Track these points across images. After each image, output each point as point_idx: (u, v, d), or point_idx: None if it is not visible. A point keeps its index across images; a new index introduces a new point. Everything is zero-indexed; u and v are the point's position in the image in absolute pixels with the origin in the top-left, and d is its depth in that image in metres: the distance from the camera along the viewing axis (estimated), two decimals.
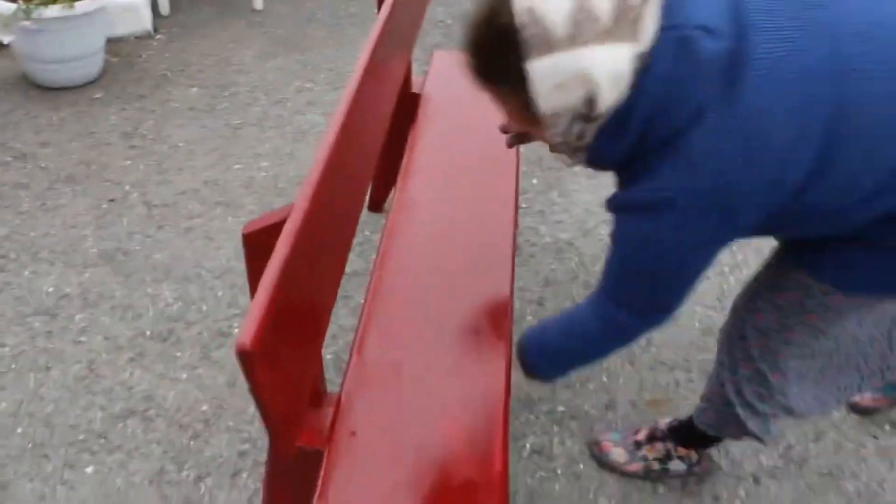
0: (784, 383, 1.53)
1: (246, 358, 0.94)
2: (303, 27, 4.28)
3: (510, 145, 1.53)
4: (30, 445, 1.98)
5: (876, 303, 1.39)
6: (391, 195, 2.43)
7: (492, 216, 1.91)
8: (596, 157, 1.17)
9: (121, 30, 3.96)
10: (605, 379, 2.18)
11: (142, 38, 4.04)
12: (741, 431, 1.63)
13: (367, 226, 2.72)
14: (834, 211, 1.15)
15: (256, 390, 1.00)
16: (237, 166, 3.07)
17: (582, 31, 0.99)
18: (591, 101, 1.04)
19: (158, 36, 4.08)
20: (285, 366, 1.09)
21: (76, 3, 3.31)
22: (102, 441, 1.99)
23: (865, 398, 2.07)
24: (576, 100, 1.04)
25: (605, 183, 2.50)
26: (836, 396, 1.62)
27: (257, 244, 1.17)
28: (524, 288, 2.47)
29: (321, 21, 4.37)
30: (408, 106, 2.39)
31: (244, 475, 1.91)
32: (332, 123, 1.34)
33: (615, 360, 2.23)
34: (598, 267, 2.53)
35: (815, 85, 1.03)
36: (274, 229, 1.12)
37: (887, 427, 2.07)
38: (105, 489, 1.88)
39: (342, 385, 1.46)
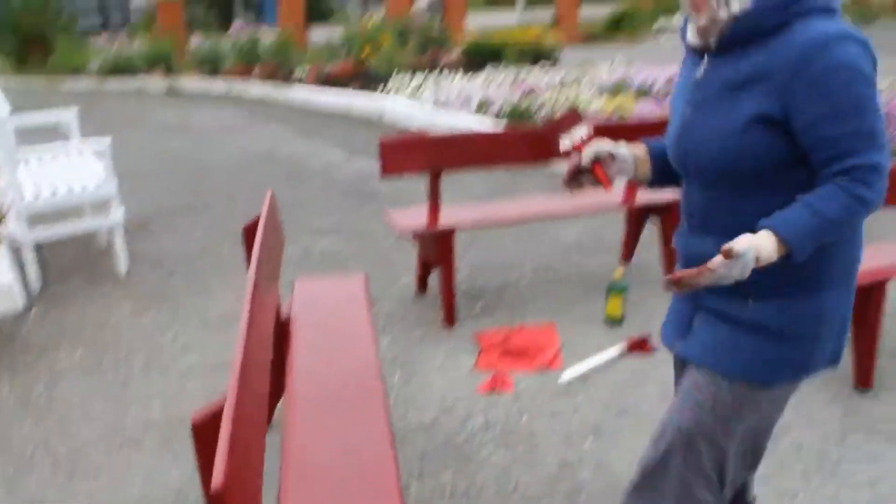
0: None
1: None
2: (166, 282, 4.75)
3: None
4: None
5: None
6: (276, 412, 2.85)
7: (367, 424, 2.38)
8: (758, 12, 1.62)
9: None
10: None
11: (18, 314, 4.37)
12: None
13: None
14: None
15: None
16: (133, 412, 3.41)
17: None
18: None
19: (35, 309, 4.43)
20: None
21: None
22: None
23: None
24: None
25: (457, 375, 3.07)
26: None
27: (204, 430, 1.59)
28: (404, 464, 2.90)
29: (182, 274, 4.86)
30: (281, 330, 2.88)
31: None
32: (237, 346, 1.81)
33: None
34: (461, 437, 3.02)
35: None
36: (215, 417, 1.56)
37: None
38: None
39: None
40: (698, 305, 1.90)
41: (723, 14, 1.66)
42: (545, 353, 3.71)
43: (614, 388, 3.43)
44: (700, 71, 1.77)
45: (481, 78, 9.90)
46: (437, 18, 16.39)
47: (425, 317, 4.16)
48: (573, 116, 1.99)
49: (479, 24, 19.19)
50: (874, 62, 1.61)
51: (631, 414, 3.23)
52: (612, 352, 3.70)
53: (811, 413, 3.20)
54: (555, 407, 3.29)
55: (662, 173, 1.99)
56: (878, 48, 1.71)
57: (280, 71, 12.70)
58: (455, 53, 12.76)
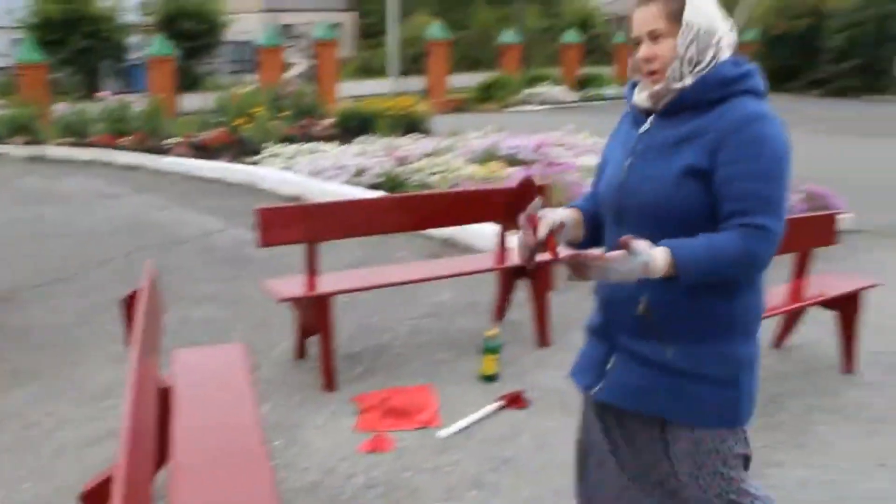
0: None
1: None
2: (37, 355, 4.62)
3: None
4: None
5: None
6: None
7: (251, 489, 2.44)
8: (709, 78, 1.92)
9: None
10: None
11: None
12: None
13: None
14: None
15: None
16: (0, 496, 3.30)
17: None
18: (713, 33, 1.93)
19: None
20: None
21: None
22: None
23: None
24: (708, 23, 1.93)
25: (338, 438, 3.14)
26: None
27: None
28: None
29: (54, 346, 4.74)
30: (162, 400, 2.89)
31: None
32: (125, 417, 1.87)
33: None
34: (344, 497, 3.10)
35: None
36: (102, 488, 1.61)
37: None
38: None
39: None
40: (613, 346, 2.10)
41: (675, 85, 1.96)
42: (424, 412, 3.84)
43: (492, 441, 3.59)
44: (645, 127, 2.04)
45: (355, 147, 10.11)
46: (309, 87, 16.63)
47: (305, 382, 4.22)
48: (528, 185, 2.09)
49: (351, 92, 19.58)
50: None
51: (510, 465, 3.39)
52: (489, 408, 3.87)
53: None
54: (436, 462, 3.41)
55: (592, 233, 2.21)
56: None
57: (151, 139, 12.54)
58: (328, 122, 12.96)
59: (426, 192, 7.03)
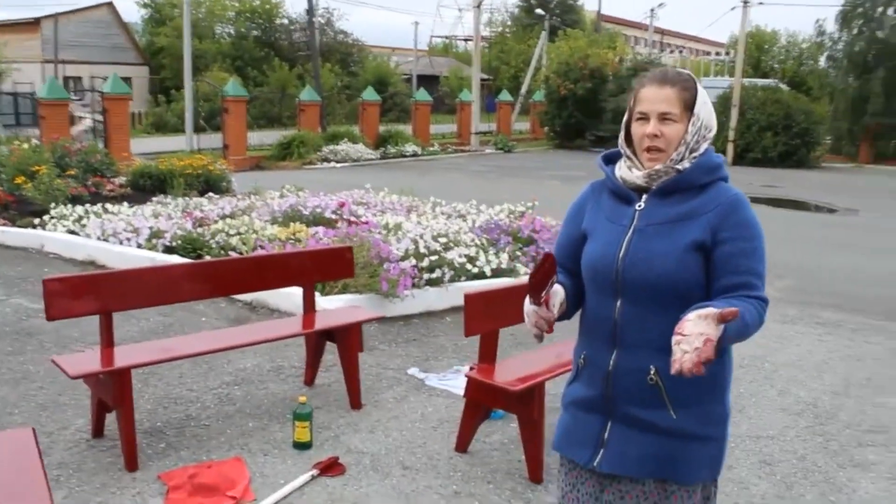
0: None
1: None
2: None
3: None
4: None
5: None
6: None
7: None
8: (702, 164, 2.16)
9: None
10: None
11: None
12: None
13: None
14: None
15: None
16: None
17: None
18: (710, 127, 2.19)
19: None
20: None
21: None
22: None
23: None
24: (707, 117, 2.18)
25: None
26: None
27: None
28: None
29: None
30: None
31: None
32: None
33: None
34: None
35: None
36: None
37: None
38: None
39: None
40: (610, 415, 2.19)
41: (677, 166, 2.15)
42: (236, 487, 3.70)
43: None
44: (640, 205, 2.19)
45: (150, 208, 9.68)
46: (98, 144, 15.79)
47: (105, 462, 3.93)
48: (549, 261, 2.04)
49: (144, 149, 18.80)
50: None
51: None
52: (304, 477, 3.79)
53: None
54: None
55: (574, 307, 2.30)
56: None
57: None
58: (119, 182, 12.33)
59: (227, 257, 6.85)
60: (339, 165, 20.56)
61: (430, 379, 5.23)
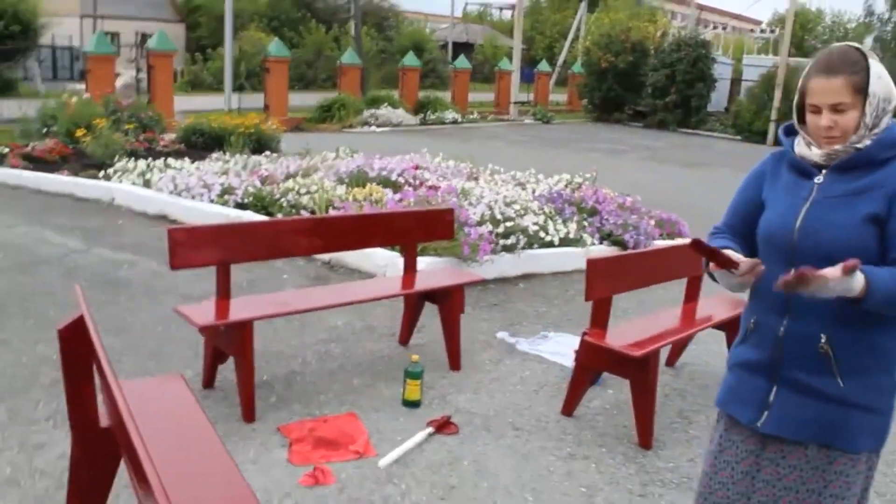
0: None
1: None
2: None
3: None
4: None
5: None
6: None
7: None
8: (884, 140, 2.12)
9: None
10: None
11: None
12: None
13: None
14: None
15: None
16: None
17: None
18: (890, 100, 2.13)
19: None
20: None
21: None
22: None
23: None
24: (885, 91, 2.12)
25: (275, 471, 2.95)
26: None
27: None
28: None
29: None
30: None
31: None
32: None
33: None
34: None
35: None
36: None
37: None
38: None
39: None
40: (777, 379, 2.21)
41: (852, 147, 2.14)
42: (356, 442, 3.75)
43: (434, 468, 3.57)
44: (819, 178, 2.20)
45: (215, 165, 9.72)
46: (144, 100, 15.83)
47: (221, 413, 3.99)
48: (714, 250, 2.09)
49: (183, 107, 18.77)
50: None
51: (457, 493, 3.38)
52: (421, 434, 3.83)
53: (612, 474, 3.58)
54: (383, 493, 3.35)
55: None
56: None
57: None
58: (170, 138, 12.35)
59: (337, 214, 6.87)
60: (378, 130, 20.49)
61: (521, 343, 5.27)
